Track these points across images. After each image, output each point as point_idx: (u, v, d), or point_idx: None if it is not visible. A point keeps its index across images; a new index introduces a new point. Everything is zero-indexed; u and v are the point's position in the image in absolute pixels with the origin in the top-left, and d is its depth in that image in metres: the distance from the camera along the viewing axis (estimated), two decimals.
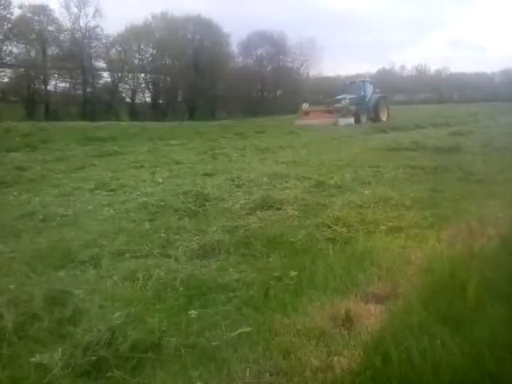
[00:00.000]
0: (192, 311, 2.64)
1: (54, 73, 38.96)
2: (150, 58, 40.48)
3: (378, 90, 28.06)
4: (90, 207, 5.45)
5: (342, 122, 22.05)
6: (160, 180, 7.15)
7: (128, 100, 40.04)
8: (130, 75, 39.52)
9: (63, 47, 38.27)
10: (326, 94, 34.21)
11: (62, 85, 39.90)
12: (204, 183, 6.61)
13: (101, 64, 40.37)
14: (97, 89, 39.22)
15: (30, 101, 37.65)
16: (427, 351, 2.09)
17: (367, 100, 26.29)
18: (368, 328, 2.46)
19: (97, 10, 38.21)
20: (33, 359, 2.17)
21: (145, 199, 5.57)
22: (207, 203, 5.50)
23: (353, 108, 23.69)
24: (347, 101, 24.22)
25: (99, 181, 7.10)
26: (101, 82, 40.38)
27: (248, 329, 2.44)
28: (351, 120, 22.80)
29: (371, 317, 2.61)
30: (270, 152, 11.06)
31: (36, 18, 38.21)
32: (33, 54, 38.16)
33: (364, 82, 27.84)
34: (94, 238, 4.05)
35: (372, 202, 5.17)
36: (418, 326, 2.32)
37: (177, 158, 10.03)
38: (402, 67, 55.06)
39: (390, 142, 12.02)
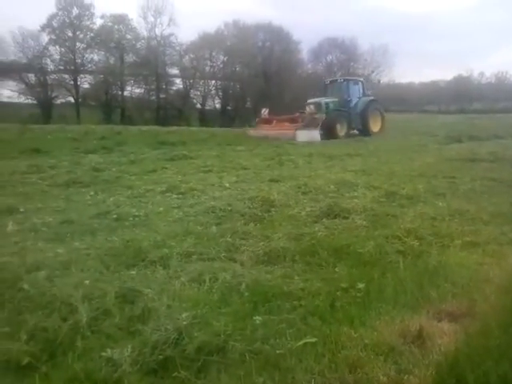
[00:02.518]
0: (257, 317, 2.63)
1: (131, 79, 41.01)
2: (221, 65, 41.51)
3: (369, 92, 22.80)
4: (161, 209, 5.61)
5: (302, 134, 17.38)
6: (227, 185, 7.25)
7: (198, 106, 41.28)
8: (201, 82, 40.77)
9: (139, 55, 40.19)
10: (398, 101, 33.29)
11: (138, 91, 41.94)
12: (270, 189, 6.61)
13: (174, 71, 42.00)
14: (169, 95, 40.78)
15: (108, 105, 39.82)
16: (508, 377, 1.94)
17: (353, 105, 20.73)
18: (441, 347, 2.33)
19: (171, 19, 39.91)
20: (104, 354, 2.25)
21: (212, 203, 5.65)
22: (273, 209, 5.49)
23: (320, 116, 18.57)
24: (311, 107, 19.78)
25: (170, 184, 7.31)
26: (173, 88, 42.00)
27: (313, 339, 2.39)
28: (315, 133, 17.51)
29: (444, 336, 2.47)
30: (337, 159, 10.90)
31: (116, 27, 40.50)
32: (111, 61, 40.39)
33: (348, 80, 22.05)
34: (164, 239, 4.16)
35: (446, 215, 4.93)
36: (498, 349, 2.16)
37: (244, 164, 10.14)
38: (481, 74, 52.53)
39: (466, 152, 11.45)
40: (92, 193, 6.87)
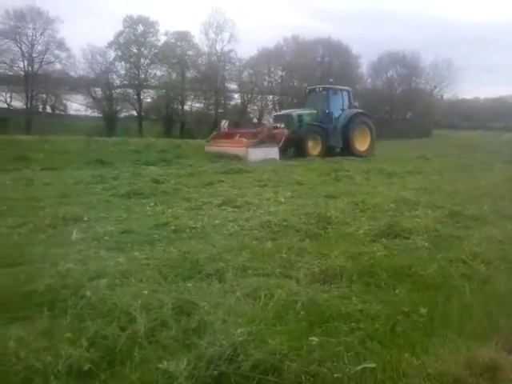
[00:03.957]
0: (313, 338, 2.56)
1: (191, 94, 42.29)
2: (279, 80, 41.88)
3: (356, 104, 19.58)
4: (217, 222, 5.66)
5: (254, 153, 14.60)
6: (282, 200, 7.22)
7: (255, 120, 41.76)
8: (258, 97, 41.30)
9: (200, 70, 41.44)
10: (462, 117, 31.93)
11: (197, 105, 43.16)
12: (326, 205, 6.52)
13: (232, 86, 42.86)
14: (227, 109, 41.61)
15: (168, 119, 41.21)
16: None
17: (334, 118, 17.77)
18: None
19: (232, 35, 40.93)
20: (161, 365, 2.27)
21: (268, 218, 5.64)
22: (329, 226, 5.39)
23: (282, 131, 16.21)
24: (271, 121, 17.88)
25: (226, 197, 7.37)
26: (231, 103, 42.81)
27: (373, 364, 2.29)
28: (272, 151, 15.04)
29: None
30: (397, 177, 10.61)
31: (178, 43, 42.07)
32: (173, 76, 41.87)
33: (328, 90, 18.44)
34: (220, 252, 4.18)
35: None
36: None
37: (299, 179, 10.08)
38: None
39: None
40: (152, 204, 7.04)
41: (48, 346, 2.47)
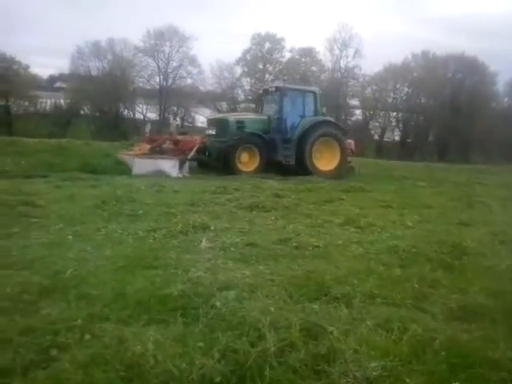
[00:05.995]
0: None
1: None
2: (404, 97, 40.36)
3: (324, 110, 15.66)
4: (340, 242, 5.53)
5: (140, 165, 12.02)
6: (409, 223, 6.84)
7: (376, 137, 40.69)
8: (381, 113, 40.17)
9: (322, 86, 41.50)
10: None
11: None
12: (460, 233, 6.03)
13: (354, 102, 42.23)
14: (347, 126, 41.05)
15: None
16: None
17: (288, 127, 14.47)
18: None
19: (357, 51, 40.43)
20: None
21: (394, 242, 5.36)
22: (465, 257, 4.96)
23: (190, 139, 13.77)
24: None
25: (347, 216, 7.20)
26: (352, 119, 42.19)
27: None
28: (166, 164, 12.29)
29: None
30: None
31: (303, 59, 42.67)
32: None
33: (282, 90, 14.72)
34: (345, 275, 4.05)
35: None
36: None
37: (426, 202, 9.53)
38: None
39: None
40: (273, 218, 7.11)
41: (182, 353, 2.56)
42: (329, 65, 42.49)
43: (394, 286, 3.87)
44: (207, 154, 14.03)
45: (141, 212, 6.88)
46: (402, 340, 2.82)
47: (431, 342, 2.79)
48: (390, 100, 40.81)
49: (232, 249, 4.99)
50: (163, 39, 41.53)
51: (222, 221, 6.62)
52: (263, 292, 3.53)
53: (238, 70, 43.53)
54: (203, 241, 5.18)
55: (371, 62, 50.61)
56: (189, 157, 12.97)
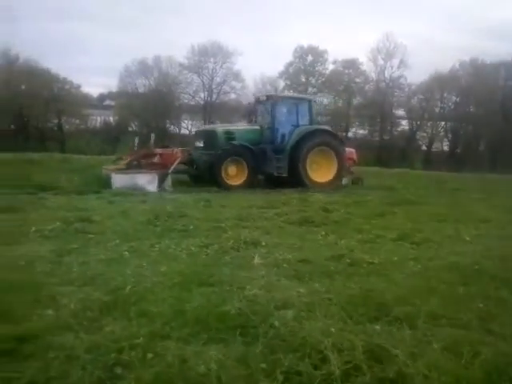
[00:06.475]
0: None
1: (356, 121, 42.10)
2: (452, 106, 39.28)
3: (321, 120, 14.03)
4: (395, 258, 5.37)
5: (119, 179, 11.83)
6: (467, 238, 6.58)
7: (424, 148, 39.71)
8: (428, 123, 39.24)
9: (366, 97, 41.10)
10: None
11: (361, 132, 42.71)
12: None
13: (400, 112, 41.50)
14: (393, 136, 40.36)
15: None
16: None
17: (280, 137, 13.98)
18: None
19: (402, 61, 39.78)
20: None
21: (454, 259, 5.16)
22: None
23: (172, 154, 13.13)
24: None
25: (401, 231, 7.01)
26: (398, 129, 41.43)
27: None
28: (145, 179, 11.88)
29: None
30: None
31: (346, 71, 42.45)
32: (339, 103, 42.21)
33: (272, 99, 14.46)
34: (405, 294, 3.91)
35: None
36: None
37: (482, 215, 9.14)
38: None
39: None
40: (323, 233, 7.01)
41: (246, 374, 2.54)
42: (373, 75, 42.05)
43: (458, 305, 3.70)
44: (195, 167, 13.75)
45: (191, 227, 6.96)
46: (474, 365, 2.67)
47: (507, 367, 2.64)
48: (437, 109, 39.80)
49: (285, 265, 4.94)
50: (207, 55, 42.49)
51: (272, 236, 6.59)
52: (321, 311, 3.46)
53: (281, 84, 43.81)
54: (255, 257, 5.16)
55: (416, 71, 49.71)
56: (169, 171, 12.56)
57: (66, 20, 61.83)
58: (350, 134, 42.39)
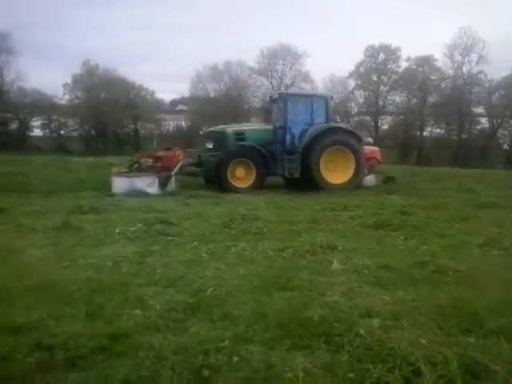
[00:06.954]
0: None
1: (431, 119, 40.37)
2: None
3: (337, 118, 11.92)
4: (484, 266, 5.05)
5: (120, 183, 11.48)
6: None
7: (506, 147, 37.28)
8: (510, 121, 36.79)
9: (443, 94, 39.28)
10: None
11: (437, 131, 40.90)
12: None
13: (479, 110, 39.27)
14: (472, 135, 38.27)
15: (404, 146, 40.08)
16: None
17: (291, 137, 13.12)
18: None
19: (481, 56, 37.63)
20: None
21: None
22: None
23: (174, 155, 12.43)
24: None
25: (487, 236, 6.59)
26: (477, 127, 39.23)
27: None
28: (145, 182, 11.54)
29: None
30: None
31: (420, 69, 40.88)
32: (413, 102, 40.71)
33: (284, 97, 13.64)
34: (499, 305, 3.65)
35: None
36: None
37: None
38: None
39: None
40: (402, 237, 6.75)
41: None
42: (449, 72, 40.08)
43: None
44: (204, 168, 13.53)
45: (266, 230, 6.97)
46: None
47: None
48: None
49: (365, 271, 4.81)
50: (276, 58, 42.66)
51: (349, 240, 6.44)
52: (408, 321, 3.32)
53: (352, 83, 43.03)
54: (334, 262, 5.06)
55: (497, 66, 46.74)
56: (172, 172, 12.30)
57: (139, 30, 64.80)
58: (425, 133, 40.79)
